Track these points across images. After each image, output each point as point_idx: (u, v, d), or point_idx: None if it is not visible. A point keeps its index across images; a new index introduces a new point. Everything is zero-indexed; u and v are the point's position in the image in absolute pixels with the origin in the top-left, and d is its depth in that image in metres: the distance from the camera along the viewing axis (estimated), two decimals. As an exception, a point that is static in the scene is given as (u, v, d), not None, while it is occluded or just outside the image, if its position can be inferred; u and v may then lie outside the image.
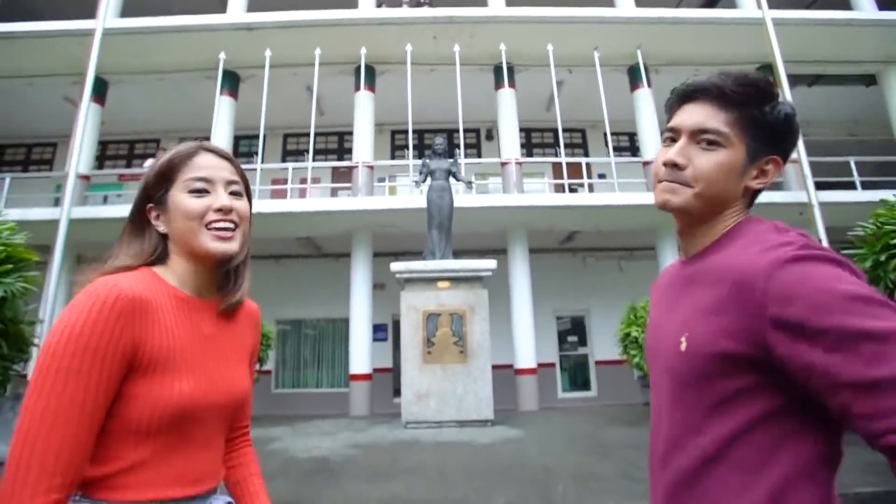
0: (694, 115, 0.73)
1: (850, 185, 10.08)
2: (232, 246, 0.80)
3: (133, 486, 0.68)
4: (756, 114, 0.72)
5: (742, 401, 0.63)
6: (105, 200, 12.05)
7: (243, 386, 0.83)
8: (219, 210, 0.79)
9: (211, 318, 0.82)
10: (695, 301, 0.70)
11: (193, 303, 0.80)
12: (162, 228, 0.82)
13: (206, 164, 0.82)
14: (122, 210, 9.09)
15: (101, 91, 9.72)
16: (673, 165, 0.73)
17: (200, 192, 0.80)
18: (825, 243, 7.49)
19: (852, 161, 10.09)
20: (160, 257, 0.82)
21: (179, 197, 0.80)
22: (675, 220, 0.79)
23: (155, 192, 0.82)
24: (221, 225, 0.79)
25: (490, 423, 5.13)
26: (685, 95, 0.76)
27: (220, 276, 0.85)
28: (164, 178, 0.81)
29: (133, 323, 0.69)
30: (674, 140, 0.76)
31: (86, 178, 9.93)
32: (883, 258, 3.03)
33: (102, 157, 12.72)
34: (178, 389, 0.71)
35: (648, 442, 0.78)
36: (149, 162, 10.15)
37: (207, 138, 11.96)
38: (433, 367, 5.19)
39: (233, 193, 0.83)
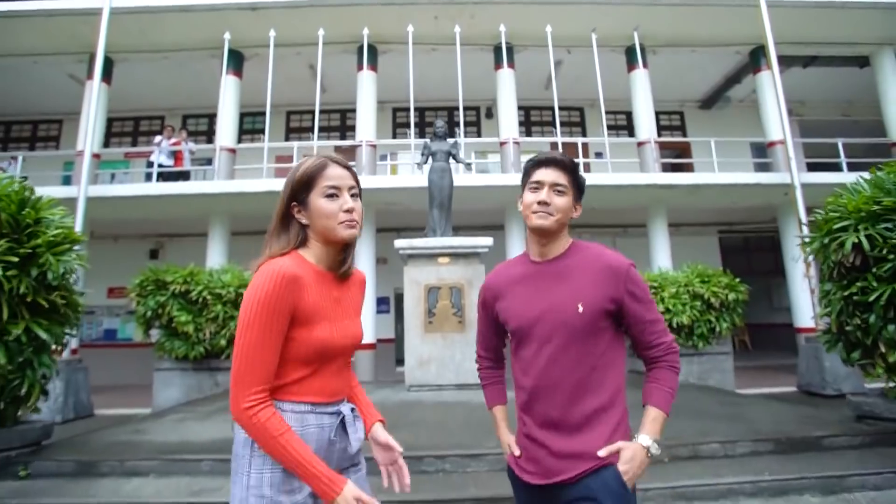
0: (551, 175, 1.31)
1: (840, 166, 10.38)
2: (356, 232, 1.17)
3: (296, 394, 1.09)
4: (576, 177, 1.33)
5: (606, 333, 1.27)
6: (112, 178, 12.35)
7: (360, 332, 1.22)
8: (346, 211, 1.15)
9: (336, 284, 1.19)
10: (579, 282, 1.27)
11: (326, 275, 1.18)
12: (304, 221, 1.17)
13: (335, 175, 1.15)
14: (131, 189, 9.43)
15: (106, 70, 9.87)
16: (545, 203, 1.29)
17: (332, 197, 1.14)
18: (804, 222, 7.90)
19: (839, 142, 10.36)
20: (302, 242, 1.18)
21: (319, 201, 1.14)
22: (539, 237, 1.34)
23: (298, 195, 1.16)
24: (348, 220, 1.15)
25: (485, 387, 5.66)
26: (544, 162, 1.32)
27: (338, 255, 1.21)
28: (306, 185, 1.15)
29: (292, 292, 1.07)
30: (537, 188, 1.31)
31: (96, 156, 10.19)
32: (826, 241, 3.47)
33: (108, 134, 12.90)
34: (319, 336, 1.10)
35: (529, 374, 1.29)
36: (157, 138, 10.37)
37: (213, 116, 12.18)
38: (434, 336, 5.67)
39: (353, 195, 1.17)
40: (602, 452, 1.16)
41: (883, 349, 3.19)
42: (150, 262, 9.70)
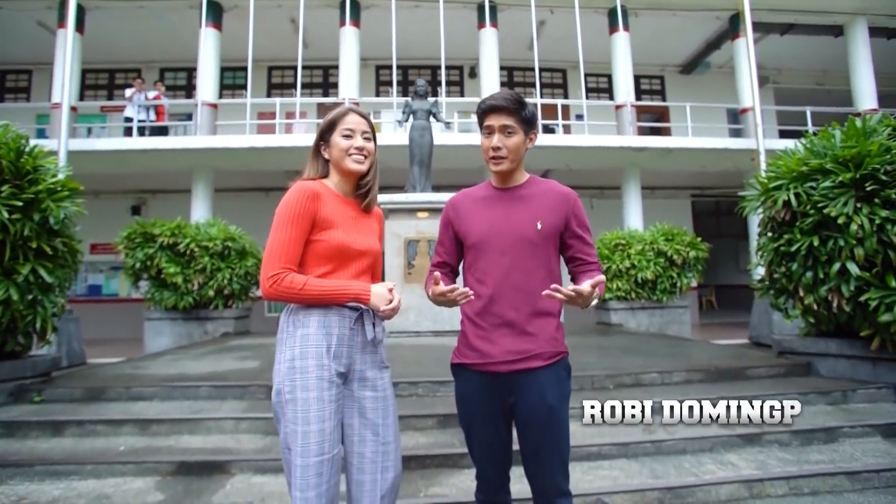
0: (500, 119, 1.47)
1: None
2: (362, 166, 1.46)
3: None
4: (522, 114, 1.48)
5: (553, 252, 1.51)
6: (89, 132, 12.11)
7: (372, 245, 1.49)
8: (356, 148, 1.44)
9: (353, 208, 1.49)
10: (538, 206, 1.50)
11: (342, 199, 1.48)
12: (326, 156, 1.49)
13: (352, 121, 1.46)
14: (112, 143, 9.38)
15: (78, 18, 9.54)
16: (497, 148, 1.48)
17: (347, 137, 1.44)
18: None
19: (808, 111, 10.74)
20: (325, 173, 1.51)
21: (337, 139, 1.45)
22: (499, 175, 1.54)
23: (324, 135, 1.47)
24: (356, 155, 1.45)
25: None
26: (491, 109, 1.48)
27: (357, 188, 1.50)
28: (330, 128, 1.47)
29: (313, 202, 1.39)
30: (489, 134, 1.49)
31: (73, 109, 10.02)
32: (764, 199, 3.88)
33: (82, 86, 12.54)
34: (335, 237, 1.40)
35: (487, 283, 1.47)
36: (128, 91, 10.15)
37: (191, 70, 11.95)
38: (413, 286, 6.03)
39: (365, 138, 1.47)
40: (588, 284, 1.31)
41: (801, 293, 3.66)
42: (132, 218, 9.77)
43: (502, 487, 1.58)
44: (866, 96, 10.85)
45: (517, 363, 1.43)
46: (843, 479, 2.52)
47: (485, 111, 1.49)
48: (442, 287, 1.40)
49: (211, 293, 6.95)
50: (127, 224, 7.25)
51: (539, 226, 1.46)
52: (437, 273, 1.46)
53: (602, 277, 1.37)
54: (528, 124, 1.50)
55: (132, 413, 3.21)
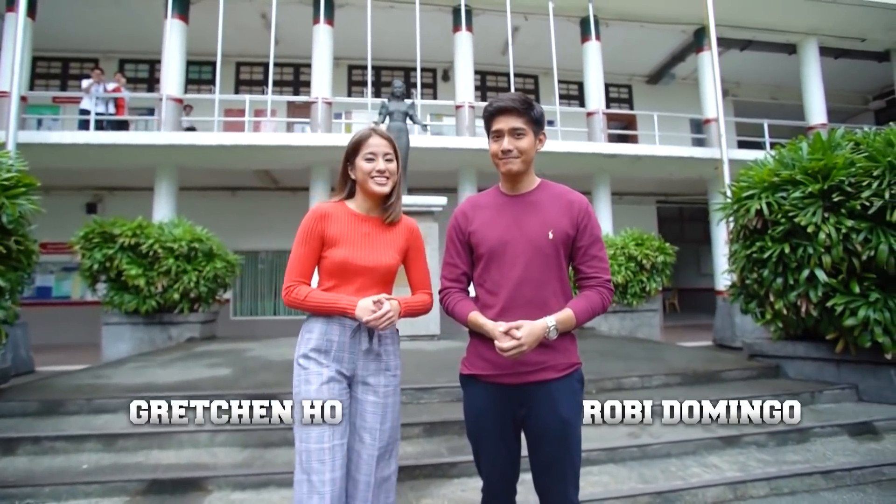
0: (509, 122, 1.43)
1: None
2: (384, 188, 1.56)
3: None
4: (531, 114, 1.44)
5: (565, 255, 1.48)
6: (39, 124, 11.38)
7: (384, 261, 1.56)
8: (378, 171, 1.55)
9: (372, 224, 1.60)
10: (549, 213, 1.46)
11: (360, 216, 1.60)
12: (353, 176, 1.60)
13: (374, 144, 1.56)
14: (69, 136, 8.79)
15: (30, 2, 8.91)
16: (508, 151, 1.44)
17: (370, 160, 1.55)
18: (729, 194, 8.70)
19: (765, 123, 11.29)
20: (352, 193, 1.63)
21: (360, 162, 1.56)
22: (509, 178, 1.50)
23: (350, 158, 1.59)
24: (379, 178, 1.55)
25: (437, 338, 6.06)
26: (499, 111, 1.44)
27: (381, 205, 1.61)
28: (354, 150, 1.58)
29: (320, 222, 1.55)
30: (498, 137, 1.45)
31: (23, 98, 9.37)
32: (736, 207, 4.03)
33: (32, 75, 11.73)
34: (339, 253, 1.54)
35: (499, 293, 1.44)
36: (86, 82, 9.58)
37: (154, 62, 11.44)
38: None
39: (387, 160, 1.56)
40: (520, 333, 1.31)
41: (772, 298, 3.81)
42: (87, 216, 9.21)
43: (510, 502, 1.54)
44: (816, 111, 11.50)
45: (530, 374, 1.40)
46: (818, 479, 2.62)
47: (493, 113, 1.46)
48: (487, 326, 1.39)
49: (176, 296, 6.62)
50: (83, 223, 6.82)
51: (551, 235, 1.43)
52: (475, 313, 1.45)
53: (550, 320, 1.36)
54: (538, 125, 1.46)
55: (95, 427, 2.99)
